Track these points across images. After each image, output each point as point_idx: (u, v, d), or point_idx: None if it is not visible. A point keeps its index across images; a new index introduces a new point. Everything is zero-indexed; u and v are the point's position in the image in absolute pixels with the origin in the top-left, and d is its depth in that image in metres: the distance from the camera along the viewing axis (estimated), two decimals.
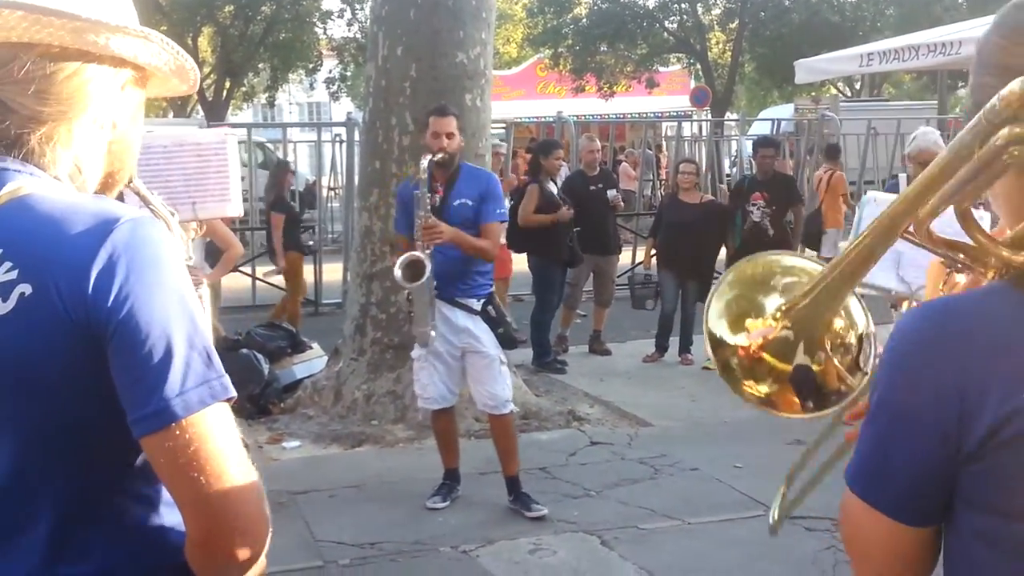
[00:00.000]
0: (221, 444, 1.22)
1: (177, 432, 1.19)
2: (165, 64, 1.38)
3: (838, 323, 1.46)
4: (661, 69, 26.79)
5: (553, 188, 8.39)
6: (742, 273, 1.56)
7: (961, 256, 1.20)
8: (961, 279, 2.02)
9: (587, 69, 24.68)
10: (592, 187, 8.72)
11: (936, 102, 20.41)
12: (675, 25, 25.55)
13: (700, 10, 25.47)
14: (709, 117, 20.96)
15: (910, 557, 1.19)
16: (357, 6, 22.76)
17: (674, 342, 8.66)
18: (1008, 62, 1.14)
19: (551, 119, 12.06)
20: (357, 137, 10.98)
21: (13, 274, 1.21)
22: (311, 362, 7.63)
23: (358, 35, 23.04)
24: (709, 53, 26.19)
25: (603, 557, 4.64)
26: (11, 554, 1.29)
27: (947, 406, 1.09)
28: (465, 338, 5.01)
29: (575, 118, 11.64)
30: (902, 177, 6.45)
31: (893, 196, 2.64)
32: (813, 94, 26.81)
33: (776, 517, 1.73)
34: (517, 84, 25.91)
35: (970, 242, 1.15)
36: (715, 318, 1.49)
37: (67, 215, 1.24)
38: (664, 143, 19.39)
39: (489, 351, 5.05)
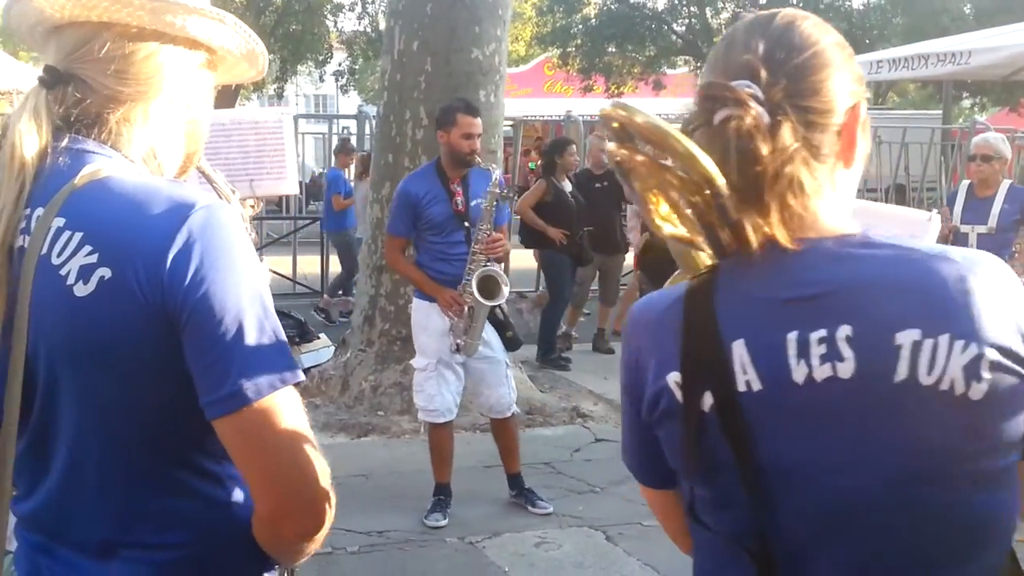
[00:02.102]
0: (290, 426, 1.26)
1: (248, 415, 1.23)
2: (237, 48, 1.41)
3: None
4: (668, 71, 26.84)
5: (567, 186, 8.44)
6: None
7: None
8: None
9: (595, 69, 24.73)
10: (598, 185, 8.78)
11: (941, 112, 20.49)
12: (683, 28, 25.59)
13: (709, 13, 25.51)
14: None
15: (668, 514, 1.39)
16: (369, 0, 22.79)
17: None
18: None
19: (560, 118, 12.10)
20: (368, 130, 11.05)
21: (93, 258, 1.24)
22: (319, 352, 7.69)
23: (368, 28, 23.08)
24: None
25: (607, 552, 4.69)
26: (88, 526, 1.33)
27: (633, 378, 1.29)
28: None
29: (584, 117, 11.66)
30: (963, 184, 6.37)
31: (865, 201, 2.67)
32: None
33: None
34: (525, 82, 25.93)
35: None
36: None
37: (144, 199, 1.27)
38: None
39: (499, 356, 5.03)
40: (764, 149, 1.14)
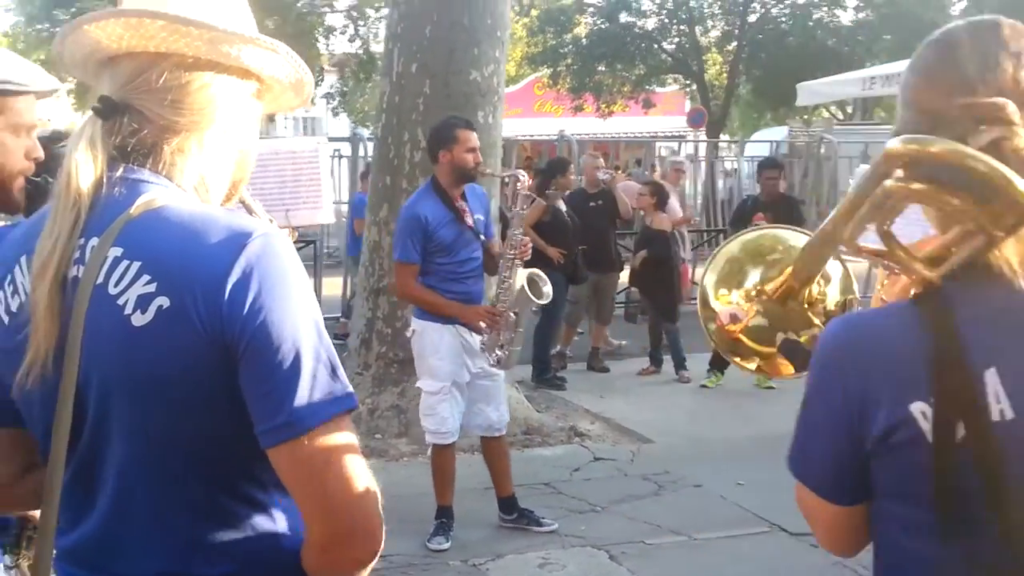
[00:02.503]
0: (345, 453, 1.27)
1: (305, 443, 1.24)
2: (286, 77, 1.42)
3: (831, 292, 1.62)
4: (658, 89, 26.97)
5: (561, 206, 8.48)
6: (745, 242, 1.70)
7: (892, 264, 1.33)
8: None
9: (585, 88, 24.85)
10: (592, 204, 8.82)
11: None
12: (673, 46, 25.73)
13: (698, 32, 25.67)
14: (705, 138, 21.13)
15: (841, 529, 1.36)
16: (360, 23, 22.86)
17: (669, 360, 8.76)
18: (918, 98, 1.29)
19: (554, 138, 12.16)
20: (361, 153, 11.06)
21: (152, 287, 1.25)
22: None
23: (360, 51, 23.14)
24: (706, 75, 26.38)
25: (611, 571, 4.70)
26: (137, 560, 1.33)
27: (851, 408, 1.26)
28: (480, 362, 4.90)
29: (577, 137, 11.73)
30: None
31: None
32: (805, 117, 27.02)
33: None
34: (515, 102, 25.99)
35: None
36: (710, 281, 1.65)
37: (201, 228, 1.28)
38: (658, 163, 19.57)
39: (500, 373, 5.04)
40: None
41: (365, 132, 10.75)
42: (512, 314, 4.71)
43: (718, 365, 8.36)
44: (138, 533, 1.32)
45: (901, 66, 8.28)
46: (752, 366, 1.64)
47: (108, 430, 1.30)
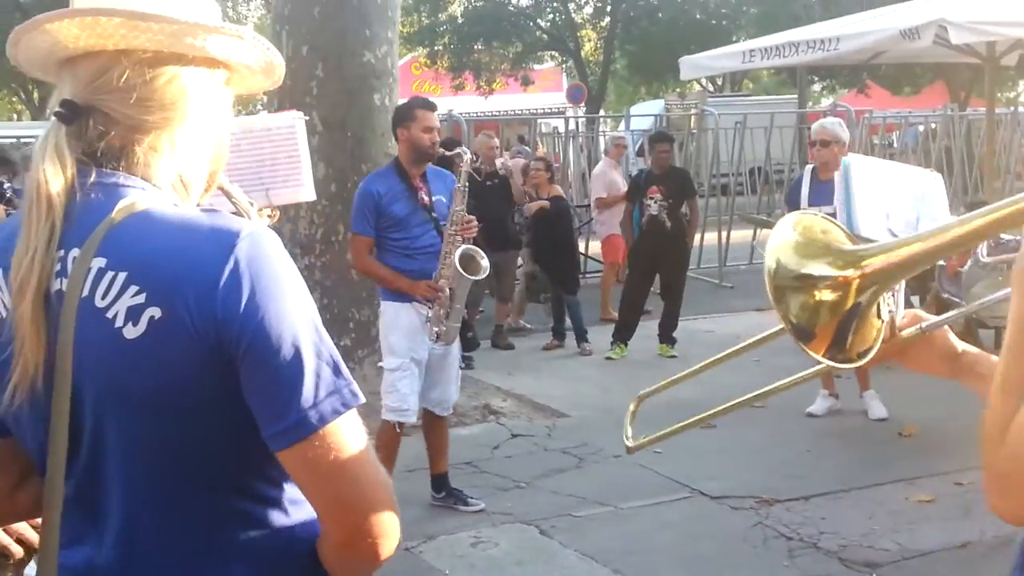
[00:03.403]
0: (355, 450, 1.24)
1: (316, 443, 1.21)
2: (255, 62, 1.37)
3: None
4: (536, 67, 27.13)
5: None
6: (807, 227, 1.59)
7: None
8: None
9: (464, 67, 24.81)
10: (488, 184, 8.82)
11: (796, 96, 21.36)
12: (548, 23, 25.90)
13: (572, 8, 25.89)
14: (584, 113, 21.37)
15: None
16: (228, 4, 22.27)
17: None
18: None
19: (442, 117, 12.08)
20: None
21: (141, 298, 1.20)
22: None
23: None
24: (582, 51, 26.65)
25: (544, 546, 4.73)
26: (152, 571, 1.29)
27: None
28: None
29: (465, 116, 11.68)
30: (808, 168, 6.72)
31: (870, 158, 2.78)
32: (679, 90, 27.62)
33: (633, 440, 1.88)
34: None
35: None
36: (784, 252, 1.49)
37: (186, 232, 1.23)
38: (540, 140, 19.70)
39: (457, 354, 5.09)
40: None
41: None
42: (448, 290, 4.73)
43: (621, 337, 8.50)
44: (151, 545, 1.27)
45: (777, 39, 8.55)
46: (810, 319, 1.51)
47: (107, 445, 1.25)
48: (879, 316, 1.58)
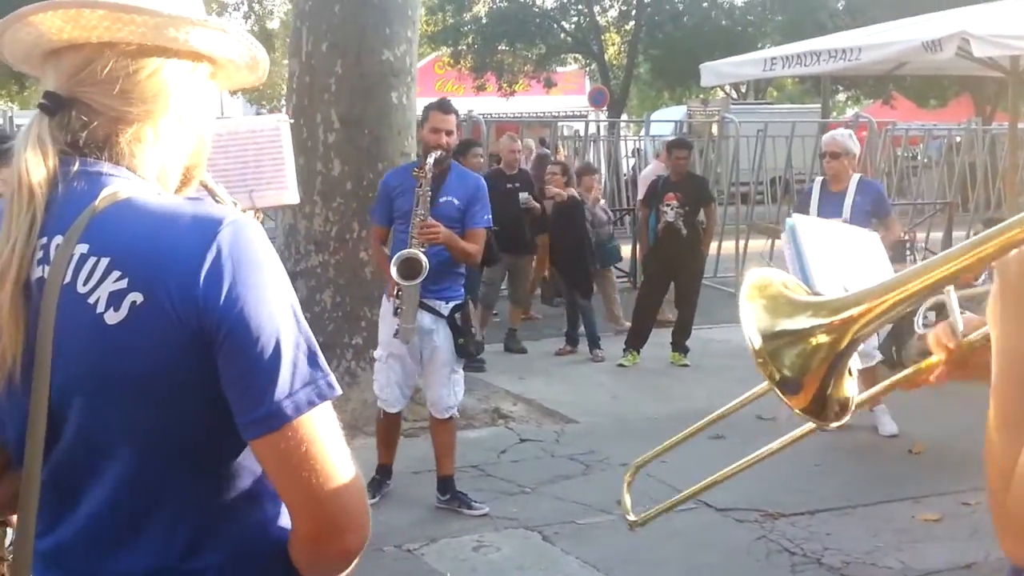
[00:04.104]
0: (328, 443, 1.24)
1: (288, 434, 1.21)
2: (239, 57, 1.38)
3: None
4: (559, 69, 27.11)
5: None
6: (764, 287, 1.57)
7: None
8: None
9: (487, 68, 24.83)
10: (509, 186, 8.80)
11: (819, 105, 21.26)
12: (572, 26, 25.88)
13: (597, 11, 25.86)
14: (606, 117, 21.33)
15: None
16: (255, 1, 22.40)
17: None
18: None
19: (462, 118, 12.08)
20: None
21: (123, 283, 1.20)
22: None
23: (255, 28, 22.65)
24: (605, 54, 26.61)
25: (546, 552, 4.72)
26: (136, 552, 1.29)
27: None
28: (427, 341, 5.03)
29: (485, 117, 11.68)
30: (817, 180, 6.72)
31: (811, 218, 2.77)
32: (702, 96, 27.53)
33: (634, 515, 1.84)
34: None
35: None
36: (758, 317, 1.49)
37: (169, 220, 1.24)
38: (560, 143, 19.70)
39: (445, 358, 5.08)
40: None
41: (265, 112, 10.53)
42: (396, 291, 4.94)
43: (634, 344, 8.47)
44: (125, 531, 1.28)
45: (799, 47, 8.55)
46: (794, 375, 1.50)
47: (86, 431, 1.26)
48: (851, 373, 1.53)
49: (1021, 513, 1.14)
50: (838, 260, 3.62)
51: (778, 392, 1.45)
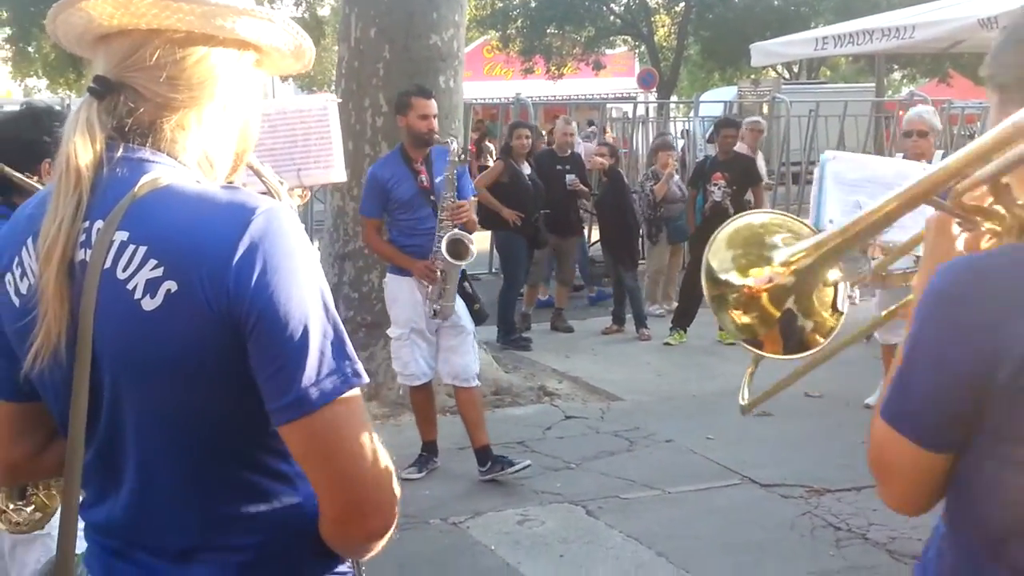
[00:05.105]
0: (356, 428, 1.28)
1: (316, 419, 1.25)
2: (285, 45, 1.42)
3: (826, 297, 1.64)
4: (607, 51, 26.98)
5: (527, 169, 8.50)
6: (747, 225, 1.73)
7: (986, 222, 1.36)
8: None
9: (535, 51, 24.78)
10: (559, 167, 8.85)
11: (874, 84, 20.90)
12: (621, 8, 25.73)
13: None
14: (656, 99, 21.21)
15: (929, 479, 1.36)
16: None
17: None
18: None
19: (510, 101, 12.13)
20: None
21: (159, 271, 1.25)
22: None
23: (306, 15, 22.83)
24: (655, 36, 26.43)
25: (590, 526, 4.78)
26: (164, 534, 1.36)
27: (976, 350, 1.25)
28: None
29: (533, 99, 11.71)
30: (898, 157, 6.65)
31: (851, 154, 2.85)
32: (753, 77, 27.22)
33: (747, 400, 1.92)
34: (465, 65, 25.99)
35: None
36: (718, 257, 1.69)
37: (203, 208, 1.28)
38: (610, 125, 19.63)
39: (467, 325, 5.30)
40: None
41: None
42: (439, 271, 5.10)
43: (681, 323, 8.48)
44: (162, 509, 1.34)
45: (851, 26, 8.47)
46: (750, 323, 1.65)
47: (124, 411, 1.31)
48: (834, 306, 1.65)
49: (873, 460, 1.36)
50: (864, 193, 3.57)
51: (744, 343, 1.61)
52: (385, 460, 1.31)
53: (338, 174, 3.18)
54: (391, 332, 5.42)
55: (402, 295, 5.27)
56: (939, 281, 1.31)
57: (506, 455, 5.37)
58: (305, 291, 1.26)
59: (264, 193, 1.45)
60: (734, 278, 1.67)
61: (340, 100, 6.91)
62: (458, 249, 5.05)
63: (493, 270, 10.64)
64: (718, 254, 1.69)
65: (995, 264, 1.30)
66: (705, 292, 1.69)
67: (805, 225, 1.70)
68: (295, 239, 1.28)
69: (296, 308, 1.25)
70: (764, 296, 1.61)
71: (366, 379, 1.31)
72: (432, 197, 5.14)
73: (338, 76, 7.21)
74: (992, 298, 1.25)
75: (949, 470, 1.35)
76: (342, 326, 1.31)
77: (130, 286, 1.26)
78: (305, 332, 1.24)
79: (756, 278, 1.64)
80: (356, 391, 1.29)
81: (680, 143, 16.62)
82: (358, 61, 6.83)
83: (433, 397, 5.56)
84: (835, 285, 1.65)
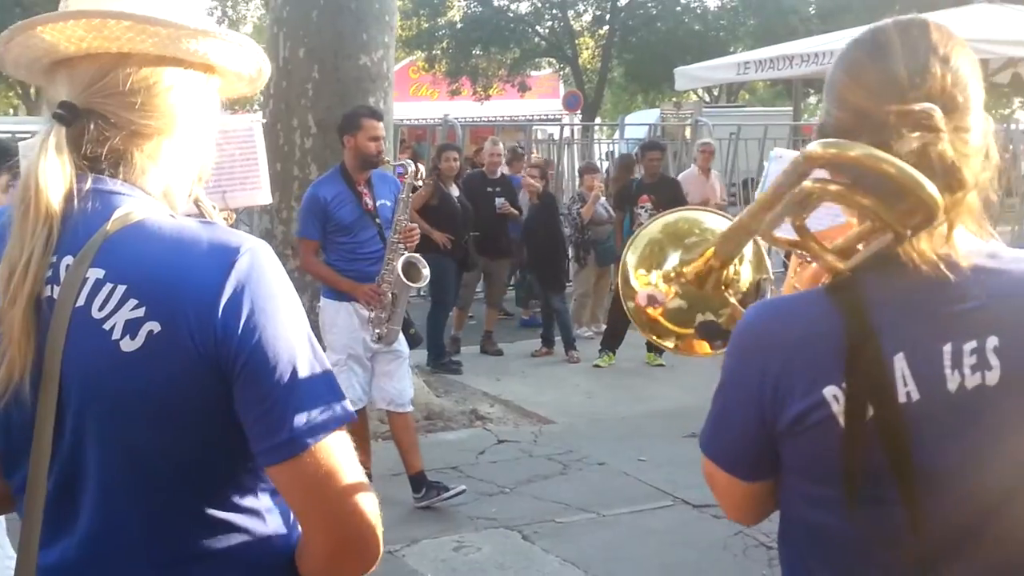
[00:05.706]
0: (345, 466, 1.26)
1: (307, 459, 1.23)
2: (247, 70, 1.37)
3: (745, 271, 1.67)
4: (533, 73, 27.19)
5: (455, 191, 8.47)
6: (665, 224, 1.76)
7: (806, 253, 1.41)
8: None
9: (462, 72, 24.87)
10: (489, 189, 8.85)
11: (791, 108, 21.45)
12: (546, 30, 25.97)
13: (571, 16, 25.97)
14: (580, 120, 21.41)
15: (749, 503, 1.44)
16: (228, 5, 22.29)
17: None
18: (846, 96, 1.31)
19: (434, 122, 12.13)
20: None
21: (140, 311, 1.20)
22: None
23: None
24: (579, 58, 26.73)
25: (526, 551, 4.76)
26: (131, 570, 1.31)
27: (766, 392, 1.30)
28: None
29: (461, 121, 11.72)
30: None
31: (795, 152, 2.94)
32: (675, 100, 27.69)
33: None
34: None
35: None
36: (631, 261, 1.70)
37: (185, 246, 1.24)
38: (535, 147, 19.74)
39: (403, 350, 5.24)
40: (968, 175, 1.22)
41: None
42: (391, 294, 4.97)
43: (609, 345, 8.53)
44: (126, 548, 1.29)
45: (771, 51, 8.71)
46: (671, 344, 1.67)
47: (86, 452, 1.26)
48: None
49: (706, 481, 1.45)
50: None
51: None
52: (371, 495, 1.30)
53: (264, 196, 3.12)
54: (327, 358, 5.29)
55: (340, 320, 5.12)
56: (743, 322, 1.37)
57: (440, 480, 5.32)
58: (291, 331, 1.24)
59: (197, 217, 1.40)
60: (641, 298, 1.69)
61: (266, 120, 6.89)
62: (411, 273, 4.96)
63: (421, 293, 10.57)
64: (633, 256, 1.72)
65: (785, 310, 1.35)
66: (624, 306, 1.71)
67: (726, 218, 1.70)
68: (278, 279, 1.26)
69: (284, 349, 1.23)
70: (662, 320, 1.64)
71: (354, 415, 1.30)
72: (377, 220, 5.04)
73: (265, 96, 7.11)
74: (772, 352, 1.30)
75: (773, 488, 1.40)
76: (328, 362, 1.29)
77: (107, 326, 1.21)
78: (294, 372, 1.23)
79: (640, 295, 1.67)
80: (344, 428, 1.28)
81: (605, 165, 16.81)
82: (286, 81, 6.74)
83: (368, 422, 5.49)
84: (742, 264, 1.66)
